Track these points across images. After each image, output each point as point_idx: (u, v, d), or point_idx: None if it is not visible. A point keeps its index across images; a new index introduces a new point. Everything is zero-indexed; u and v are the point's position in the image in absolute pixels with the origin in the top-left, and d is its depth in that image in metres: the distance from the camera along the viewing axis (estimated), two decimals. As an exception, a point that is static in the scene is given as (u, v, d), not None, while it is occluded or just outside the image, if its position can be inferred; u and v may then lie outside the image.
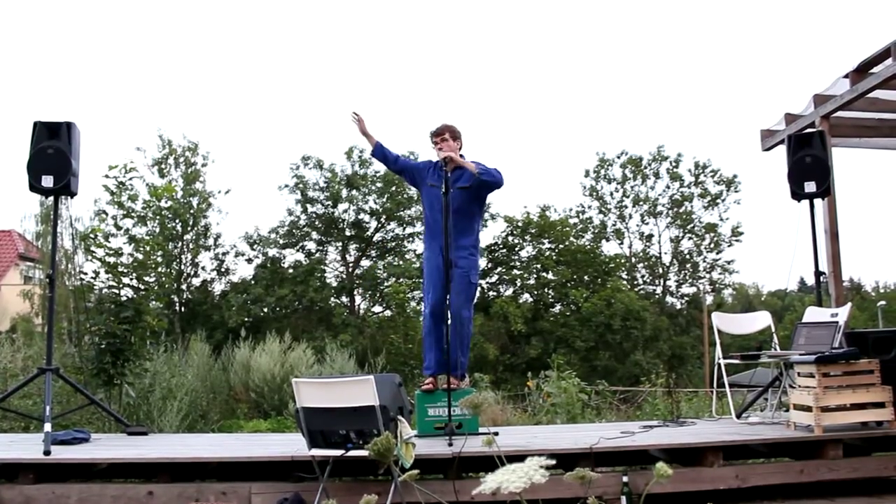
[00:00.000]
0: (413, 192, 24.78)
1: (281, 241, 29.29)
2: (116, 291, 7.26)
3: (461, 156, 5.51)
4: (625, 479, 4.31)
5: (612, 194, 35.28)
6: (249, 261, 29.32)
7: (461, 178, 5.46)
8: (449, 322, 5.20)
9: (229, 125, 51.76)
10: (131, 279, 7.45)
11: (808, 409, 4.74)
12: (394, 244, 29.94)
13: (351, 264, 30.09)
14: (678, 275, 35.40)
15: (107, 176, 7.76)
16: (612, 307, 28.62)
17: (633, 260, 35.18)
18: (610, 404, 9.58)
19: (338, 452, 4.04)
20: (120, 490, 4.51)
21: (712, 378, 6.99)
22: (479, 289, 29.46)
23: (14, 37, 49.72)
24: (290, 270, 28.22)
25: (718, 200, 34.16)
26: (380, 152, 5.74)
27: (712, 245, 34.51)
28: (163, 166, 27.09)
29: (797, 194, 6.21)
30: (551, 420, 7.73)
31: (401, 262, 28.37)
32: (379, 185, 28.63)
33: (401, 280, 27.11)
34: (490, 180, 5.48)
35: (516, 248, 31.41)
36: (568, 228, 32.26)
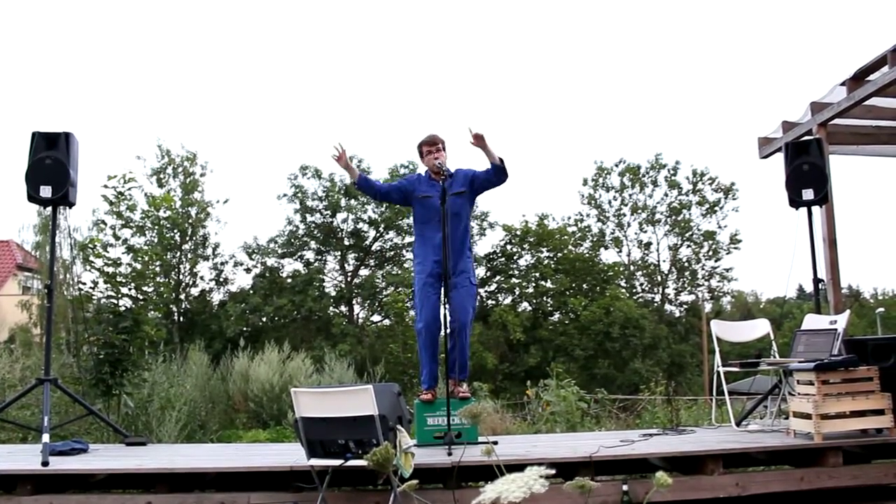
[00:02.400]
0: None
1: (279, 251, 29.31)
2: (115, 301, 7.26)
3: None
4: (625, 487, 4.29)
5: (610, 202, 35.37)
6: (248, 270, 29.34)
7: (454, 184, 5.47)
8: (449, 331, 5.24)
9: (228, 135, 51.86)
10: (130, 289, 7.45)
11: (808, 416, 4.74)
12: (392, 253, 29.97)
13: (349, 274, 30.10)
14: (677, 282, 35.43)
15: (105, 186, 7.78)
16: (611, 315, 28.62)
17: (632, 268, 35.20)
18: (609, 413, 9.56)
19: (337, 462, 4.03)
20: (118, 501, 4.50)
21: (712, 386, 6.98)
22: (478, 297, 29.57)
23: (13, 47, 49.85)
24: (289, 280, 28.22)
25: (717, 208, 34.24)
26: (364, 182, 5.65)
27: (711, 253, 34.55)
28: (161, 176, 27.12)
29: (795, 202, 6.22)
30: (551, 429, 7.72)
31: (399, 272, 28.37)
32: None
33: (399, 289, 27.10)
34: (503, 178, 5.51)
35: (515, 257, 31.42)
36: (566, 237, 32.28)
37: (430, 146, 5.58)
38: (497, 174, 5.49)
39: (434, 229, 5.40)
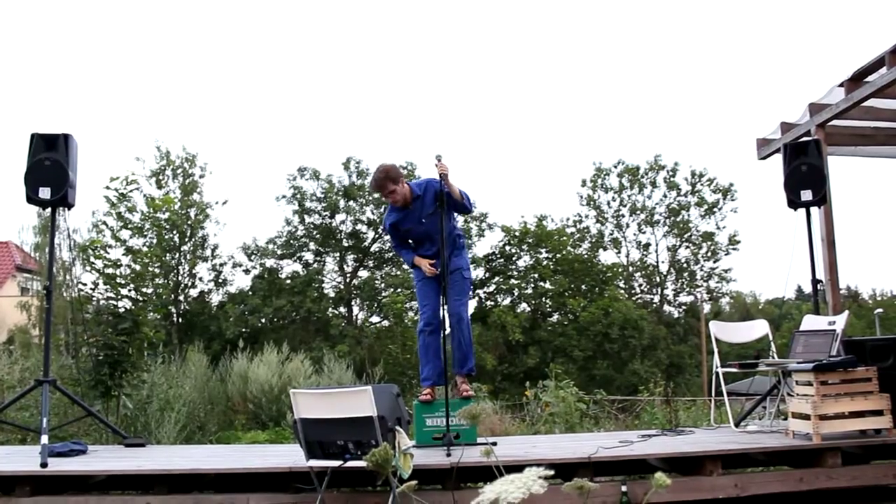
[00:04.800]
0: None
1: (278, 252, 29.30)
2: (114, 303, 7.25)
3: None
4: (623, 488, 4.30)
5: (609, 203, 35.41)
6: (247, 271, 29.34)
7: (425, 206, 5.52)
8: (447, 328, 5.25)
9: (227, 136, 51.87)
10: (129, 290, 7.44)
11: (807, 417, 4.74)
12: (391, 254, 29.93)
13: (348, 275, 30.09)
14: (675, 283, 35.46)
15: (107, 187, 7.78)
16: (610, 316, 28.63)
17: (631, 269, 35.21)
18: (608, 414, 9.56)
19: (336, 463, 4.03)
20: (117, 502, 4.51)
21: (710, 387, 6.98)
22: (476, 298, 29.48)
23: (12, 49, 49.83)
24: (288, 281, 28.21)
25: (715, 209, 34.27)
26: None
27: (709, 254, 34.59)
28: (161, 177, 27.12)
29: (794, 203, 6.22)
30: (549, 430, 7.72)
31: (398, 273, 28.36)
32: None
33: (398, 290, 27.09)
34: (464, 211, 5.69)
35: (514, 258, 31.42)
36: (565, 238, 32.29)
37: (382, 193, 5.59)
38: (458, 209, 5.64)
39: (426, 248, 5.61)
